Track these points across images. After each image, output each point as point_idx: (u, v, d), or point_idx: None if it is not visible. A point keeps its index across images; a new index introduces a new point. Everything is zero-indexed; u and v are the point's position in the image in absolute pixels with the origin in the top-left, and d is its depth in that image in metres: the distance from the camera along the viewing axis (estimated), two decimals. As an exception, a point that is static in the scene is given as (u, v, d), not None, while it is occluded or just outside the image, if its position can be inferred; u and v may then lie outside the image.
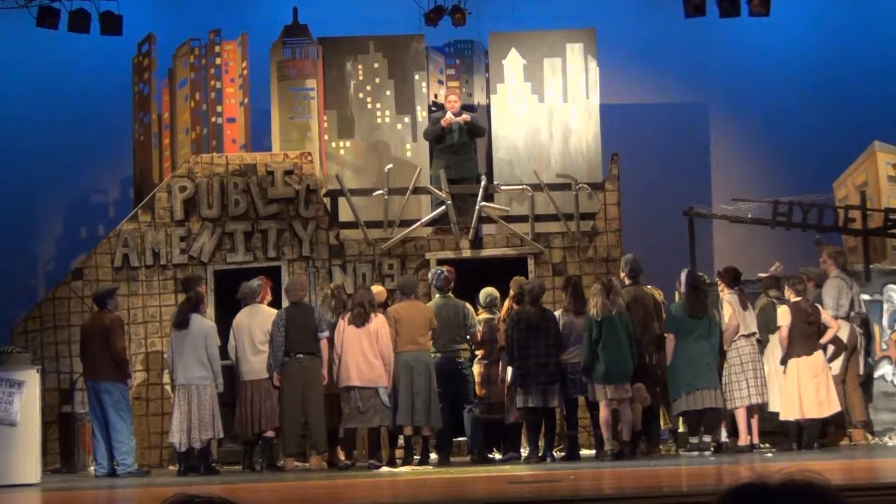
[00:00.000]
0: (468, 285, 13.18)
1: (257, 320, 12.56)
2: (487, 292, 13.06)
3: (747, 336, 12.49)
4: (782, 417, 12.50)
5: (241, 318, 12.63)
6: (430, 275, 13.32)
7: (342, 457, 12.46)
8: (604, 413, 11.94)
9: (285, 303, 13.03)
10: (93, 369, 12.45)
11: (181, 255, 14.42)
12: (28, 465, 11.23)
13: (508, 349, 12.28)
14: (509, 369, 12.45)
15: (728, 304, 12.48)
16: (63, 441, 13.54)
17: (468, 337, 12.71)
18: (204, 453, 12.29)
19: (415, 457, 12.38)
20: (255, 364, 12.49)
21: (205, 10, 16.12)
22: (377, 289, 13.03)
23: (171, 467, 13.26)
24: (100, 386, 12.34)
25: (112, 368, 12.34)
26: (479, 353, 12.94)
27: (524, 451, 12.60)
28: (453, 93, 15.18)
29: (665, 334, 12.45)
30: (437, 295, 12.88)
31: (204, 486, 9.97)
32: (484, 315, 12.94)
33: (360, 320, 12.28)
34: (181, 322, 12.36)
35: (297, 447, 12.43)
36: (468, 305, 12.83)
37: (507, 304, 12.73)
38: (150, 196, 14.68)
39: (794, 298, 12.54)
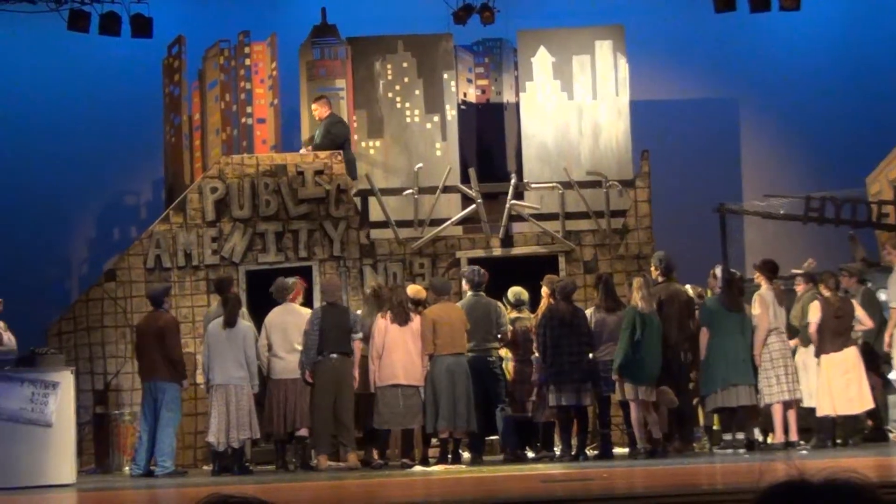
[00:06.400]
0: (499, 284, 13.16)
1: (292, 319, 12.56)
2: (516, 291, 13.03)
3: (778, 332, 12.44)
4: (819, 414, 12.44)
5: (274, 316, 12.65)
6: (465, 271, 13.25)
7: (375, 456, 12.47)
8: (635, 412, 11.91)
9: (317, 303, 13.04)
10: (147, 369, 12.52)
11: (213, 256, 14.48)
12: (63, 465, 11.28)
13: (541, 347, 12.25)
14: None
15: (759, 302, 12.41)
16: (97, 442, 13.61)
17: (500, 336, 12.68)
18: (238, 453, 12.33)
19: (448, 456, 12.37)
20: (290, 363, 12.51)
21: (234, 12, 16.17)
22: (415, 288, 12.98)
23: (204, 467, 13.31)
24: (154, 386, 12.41)
25: (167, 369, 12.41)
26: (508, 352, 12.91)
27: (557, 450, 12.58)
28: (317, 101, 14.99)
29: (700, 328, 12.40)
30: (470, 293, 12.82)
31: (238, 486, 10.01)
32: (513, 314, 12.92)
33: (403, 319, 12.29)
34: (231, 321, 12.38)
35: (330, 446, 12.45)
36: (500, 304, 12.81)
37: (544, 301, 12.67)
38: (181, 197, 14.74)
39: (826, 294, 12.49)
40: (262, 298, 13.15)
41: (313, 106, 14.88)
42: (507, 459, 12.54)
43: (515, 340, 12.80)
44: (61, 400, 11.29)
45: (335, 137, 14.71)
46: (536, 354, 12.49)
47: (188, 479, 12.31)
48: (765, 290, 12.51)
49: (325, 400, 12.29)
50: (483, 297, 12.74)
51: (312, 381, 12.36)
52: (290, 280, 12.87)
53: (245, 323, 12.55)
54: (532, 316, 12.88)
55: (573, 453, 12.15)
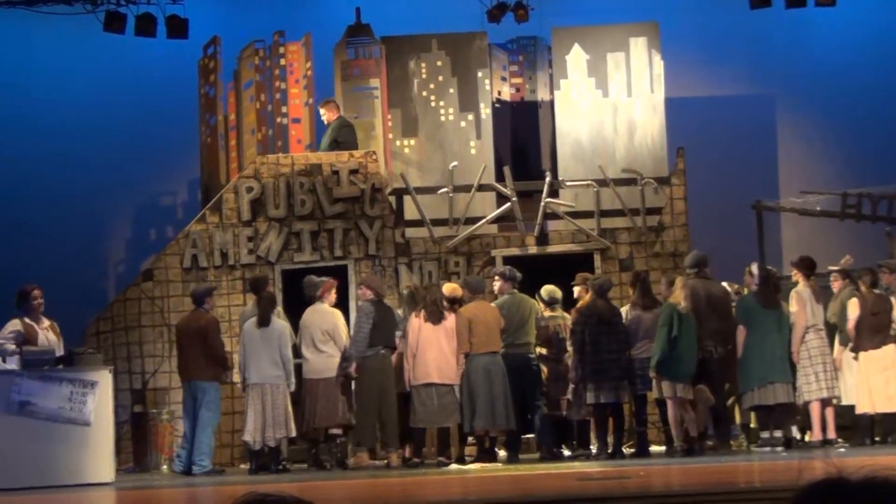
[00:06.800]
0: (534, 282, 13.14)
1: (317, 319, 12.57)
2: (549, 289, 12.99)
3: (816, 329, 12.37)
4: (857, 411, 12.37)
5: (306, 316, 12.69)
6: (501, 269, 13.20)
7: (409, 454, 12.48)
8: (672, 410, 11.88)
9: (353, 301, 13.05)
10: (188, 369, 12.60)
11: (249, 256, 14.54)
12: (102, 464, 11.35)
13: (578, 345, 12.22)
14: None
15: (796, 300, 12.35)
16: (135, 441, 13.70)
17: (536, 333, 12.66)
18: (274, 452, 12.37)
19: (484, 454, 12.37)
20: (312, 363, 12.54)
21: (269, 12, 16.22)
22: (451, 286, 12.96)
23: (241, 466, 13.37)
24: (195, 385, 12.48)
25: (207, 368, 12.47)
26: (543, 350, 12.88)
27: (593, 448, 12.56)
28: (324, 105, 14.94)
29: (738, 326, 12.35)
30: (506, 291, 12.78)
31: (275, 485, 10.04)
32: (546, 312, 12.89)
33: (436, 318, 12.29)
34: (264, 320, 12.42)
35: (372, 442, 12.43)
36: (535, 301, 12.80)
37: (586, 298, 12.59)
38: (217, 197, 14.81)
39: (863, 290, 12.41)
40: (298, 298, 13.18)
41: (321, 110, 14.89)
42: (543, 458, 12.53)
43: (549, 338, 12.78)
44: (99, 399, 11.36)
45: (343, 144, 14.71)
46: (571, 352, 12.46)
47: (225, 477, 12.36)
48: (802, 287, 12.45)
49: (371, 395, 12.30)
50: (518, 295, 12.73)
51: (357, 376, 12.36)
52: (320, 279, 12.90)
53: (280, 322, 12.58)
54: (565, 314, 12.85)
55: (609, 451, 12.13)
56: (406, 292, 13.12)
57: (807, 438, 12.54)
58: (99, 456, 11.34)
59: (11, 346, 11.60)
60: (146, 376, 14.30)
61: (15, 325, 11.74)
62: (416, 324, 12.28)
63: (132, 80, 16.31)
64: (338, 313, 12.76)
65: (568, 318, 12.74)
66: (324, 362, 12.49)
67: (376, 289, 12.72)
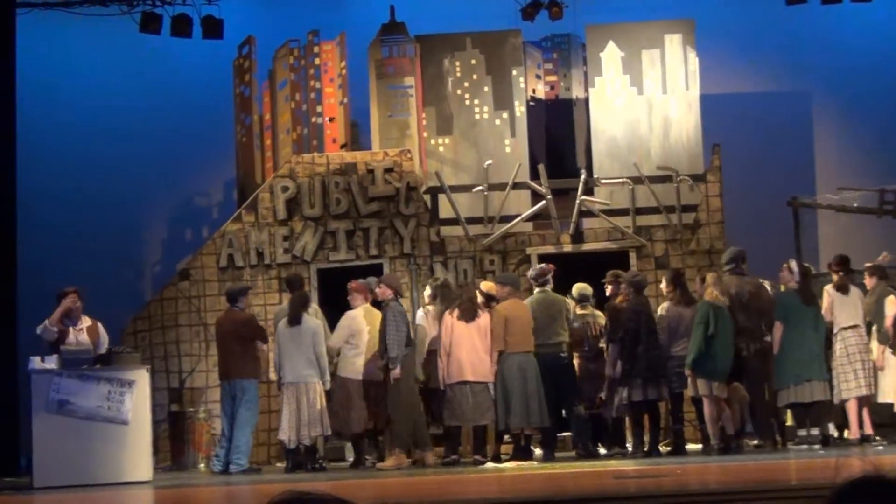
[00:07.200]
0: (569, 280, 13.11)
1: (343, 322, 12.65)
2: (579, 287, 12.96)
3: (854, 327, 12.29)
4: (897, 409, 12.30)
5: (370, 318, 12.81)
6: (534, 270, 13.19)
7: (439, 454, 12.51)
8: (709, 408, 11.84)
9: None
10: (225, 367, 12.65)
11: (285, 255, 14.60)
12: (140, 462, 11.42)
13: (616, 342, 12.18)
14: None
15: (826, 297, 12.28)
16: (173, 439, 13.77)
17: (568, 331, 12.62)
18: (311, 450, 12.40)
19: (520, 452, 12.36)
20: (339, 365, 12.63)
21: (303, 12, 16.26)
22: (488, 284, 12.95)
23: (278, 464, 13.42)
24: (232, 383, 12.54)
25: (245, 366, 12.51)
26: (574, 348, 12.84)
27: (629, 446, 12.53)
28: None
29: (774, 322, 12.29)
30: (537, 289, 12.77)
31: (312, 483, 10.07)
32: (578, 310, 12.86)
33: (470, 315, 12.28)
34: (294, 319, 12.46)
35: (410, 441, 12.41)
36: (567, 300, 12.77)
37: (622, 296, 12.55)
38: (253, 197, 14.88)
39: (901, 288, 12.35)
40: (333, 296, 13.22)
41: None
42: (579, 456, 12.51)
43: (580, 337, 12.74)
44: (137, 398, 11.43)
45: None
46: (605, 349, 12.44)
47: (262, 476, 12.40)
48: (832, 287, 12.37)
49: (407, 395, 12.31)
50: (550, 294, 12.70)
51: (399, 378, 12.36)
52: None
53: (313, 320, 12.58)
54: (596, 312, 12.82)
55: (646, 449, 12.10)
56: (438, 283, 12.99)
57: (845, 435, 12.45)
58: (137, 454, 11.40)
59: (54, 329, 11.74)
60: (183, 375, 14.39)
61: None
62: (449, 322, 12.25)
63: (168, 80, 16.38)
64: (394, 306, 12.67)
65: (599, 316, 12.72)
66: (352, 363, 12.54)
67: (396, 288, 12.59)
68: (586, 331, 12.72)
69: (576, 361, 12.85)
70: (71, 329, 11.92)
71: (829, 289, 12.38)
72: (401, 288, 12.80)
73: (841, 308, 12.31)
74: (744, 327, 12.20)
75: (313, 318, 12.68)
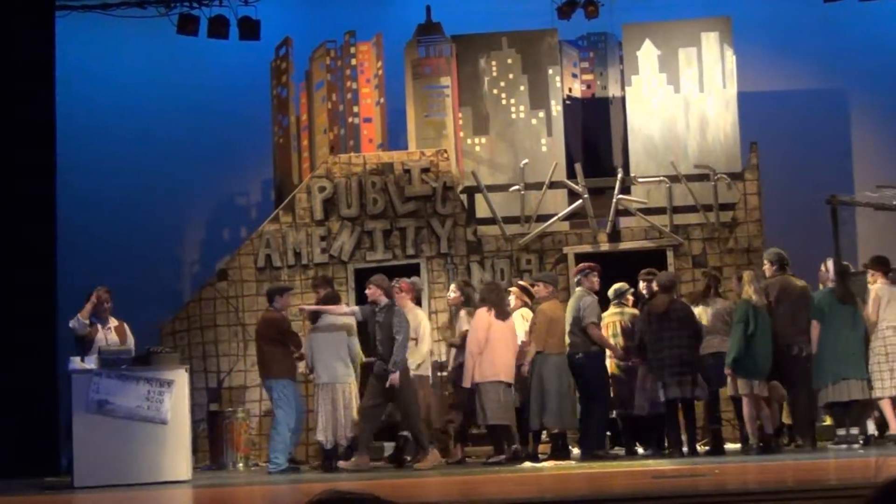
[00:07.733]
0: (607, 278, 13.06)
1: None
2: (616, 287, 12.93)
3: (894, 326, 12.18)
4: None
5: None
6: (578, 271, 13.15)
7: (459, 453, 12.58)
8: (748, 407, 11.78)
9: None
10: (260, 367, 12.73)
11: (322, 255, 14.65)
12: (179, 462, 11.48)
13: (649, 341, 12.16)
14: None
15: (874, 297, 12.18)
16: (212, 439, 13.82)
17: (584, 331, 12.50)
18: (348, 450, 12.41)
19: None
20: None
21: (339, 12, 16.29)
22: (527, 283, 13.00)
23: (316, 463, 13.44)
24: (266, 383, 12.61)
25: (269, 366, 12.53)
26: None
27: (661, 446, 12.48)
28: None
29: (811, 321, 12.21)
30: (578, 289, 12.70)
31: (349, 482, 10.10)
32: (612, 309, 12.81)
33: (505, 315, 12.30)
34: (316, 319, 12.52)
35: (428, 440, 12.42)
36: (586, 298, 12.58)
37: (660, 295, 12.46)
38: (290, 197, 14.93)
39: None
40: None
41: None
42: (586, 458, 12.36)
43: (617, 336, 12.69)
44: (176, 398, 11.49)
45: None
46: (639, 349, 12.40)
47: (301, 475, 12.43)
48: (878, 286, 12.27)
49: (418, 397, 12.40)
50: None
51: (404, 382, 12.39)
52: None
53: (344, 319, 12.56)
54: (633, 311, 12.77)
55: (683, 449, 12.05)
56: (462, 282, 13.13)
57: (889, 432, 12.34)
58: (176, 454, 11.46)
59: (85, 321, 11.89)
60: (221, 375, 14.46)
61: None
62: (486, 320, 12.24)
63: (205, 81, 16.46)
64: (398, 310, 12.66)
65: (630, 315, 12.67)
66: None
67: (387, 289, 12.39)
68: (625, 330, 12.64)
69: (609, 361, 12.78)
70: (100, 328, 12.07)
71: (879, 287, 12.22)
72: (391, 290, 12.61)
73: (889, 307, 12.17)
74: (796, 327, 12.13)
75: (342, 317, 12.59)
